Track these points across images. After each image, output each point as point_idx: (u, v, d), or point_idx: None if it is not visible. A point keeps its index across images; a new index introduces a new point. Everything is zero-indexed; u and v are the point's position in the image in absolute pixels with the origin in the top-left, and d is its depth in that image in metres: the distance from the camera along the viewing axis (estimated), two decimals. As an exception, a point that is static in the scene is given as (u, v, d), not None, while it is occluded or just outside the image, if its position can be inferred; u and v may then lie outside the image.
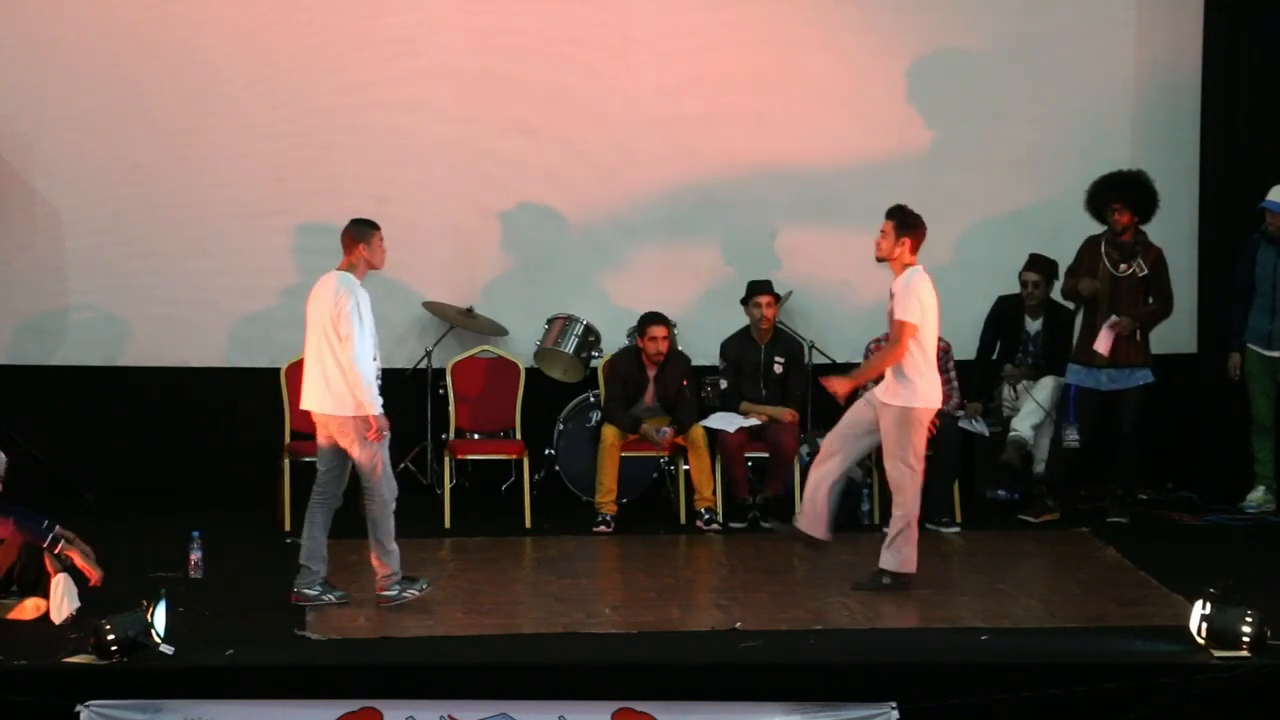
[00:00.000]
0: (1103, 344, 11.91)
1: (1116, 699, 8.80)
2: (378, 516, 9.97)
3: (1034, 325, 12.59)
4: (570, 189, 12.95)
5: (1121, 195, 11.97)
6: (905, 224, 10.37)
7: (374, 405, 9.82)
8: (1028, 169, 13.11)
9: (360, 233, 10.00)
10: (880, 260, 10.44)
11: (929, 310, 10.26)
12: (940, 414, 12.06)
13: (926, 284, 10.29)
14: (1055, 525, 12.05)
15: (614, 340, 12.67)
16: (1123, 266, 12.00)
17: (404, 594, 9.97)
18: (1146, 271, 12.03)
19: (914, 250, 10.35)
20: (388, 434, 9.92)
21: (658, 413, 12.25)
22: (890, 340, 10.27)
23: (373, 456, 9.88)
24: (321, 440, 10.04)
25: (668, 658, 9.16)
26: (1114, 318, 11.93)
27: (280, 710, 8.68)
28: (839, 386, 10.50)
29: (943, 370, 12.24)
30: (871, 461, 12.22)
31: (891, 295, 10.38)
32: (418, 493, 12.56)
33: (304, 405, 10.06)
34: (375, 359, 9.93)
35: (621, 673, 8.90)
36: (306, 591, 10.00)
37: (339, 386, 9.85)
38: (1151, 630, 9.51)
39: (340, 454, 10.00)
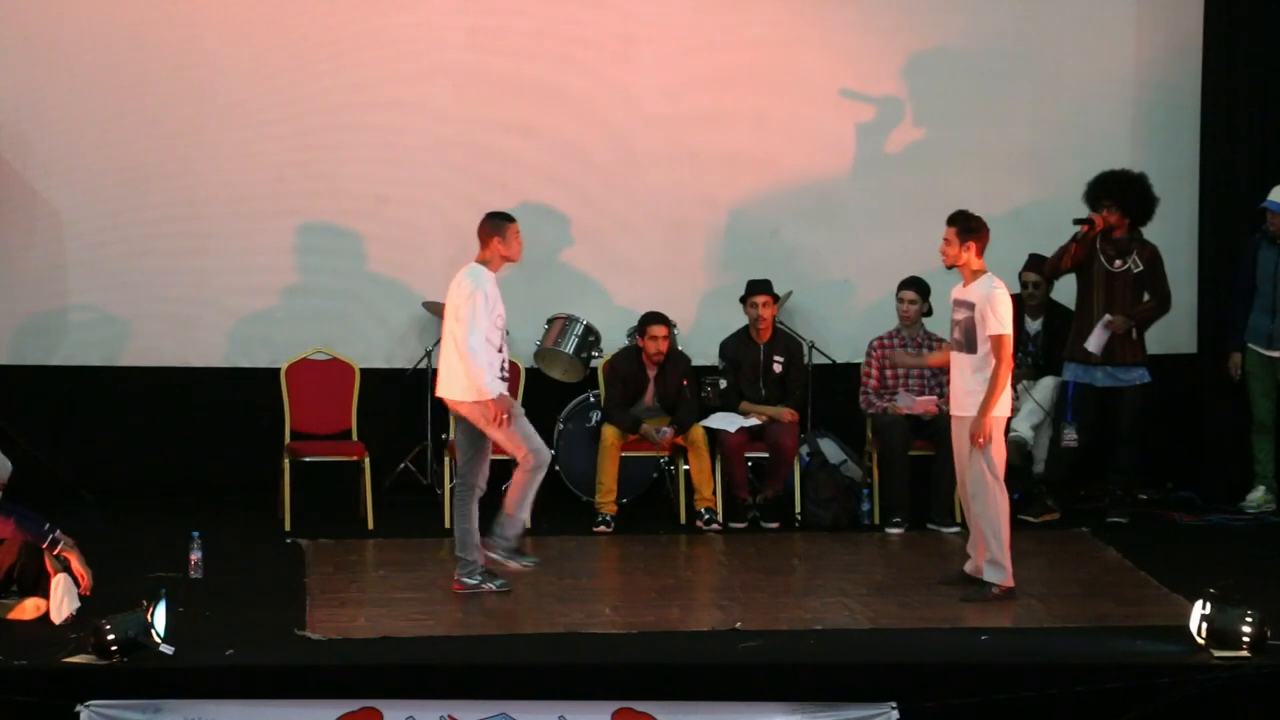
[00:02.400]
0: (1095, 343, 11.89)
1: (1116, 699, 8.80)
2: (522, 482, 10.15)
3: (1034, 325, 12.59)
4: (570, 189, 12.94)
5: (1116, 195, 11.97)
6: (967, 228, 10.33)
7: (490, 389, 9.96)
8: (1027, 169, 13.11)
9: (495, 226, 10.17)
10: (949, 268, 10.41)
11: (1010, 319, 10.22)
12: (942, 415, 12.11)
13: (1005, 292, 10.25)
14: (1055, 525, 12.05)
15: (614, 340, 12.67)
16: (1118, 263, 12.00)
17: (483, 585, 10.11)
18: (1141, 268, 12.03)
19: (980, 253, 10.31)
20: (516, 409, 10.08)
21: (658, 413, 12.26)
22: (996, 359, 10.05)
23: (509, 434, 10.05)
24: (458, 429, 10.23)
25: (668, 658, 9.16)
26: (1108, 316, 11.92)
27: (280, 710, 8.68)
28: (984, 435, 10.11)
29: (943, 370, 12.26)
30: (871, 462, 12.24)
31: (959, 304, 10.31)
32: (418, 492, 12.57)
33: (438, 393, 10.24)
34: (501, 350, 10.06)
35: (621, 673, 8.90)
36: (467, 580, 10.18)
37: (455, 372, 10.05)
38: (1151, 630, 9.52)
39: (475, 441, 10.15)
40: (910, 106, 13.11)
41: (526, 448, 10.10)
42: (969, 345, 10.25)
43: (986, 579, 10.23)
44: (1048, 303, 12.58)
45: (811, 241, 13.14)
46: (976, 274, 10.31)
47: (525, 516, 10.27)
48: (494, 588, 10.21)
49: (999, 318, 10.11)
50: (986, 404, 10.10)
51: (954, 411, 10.40)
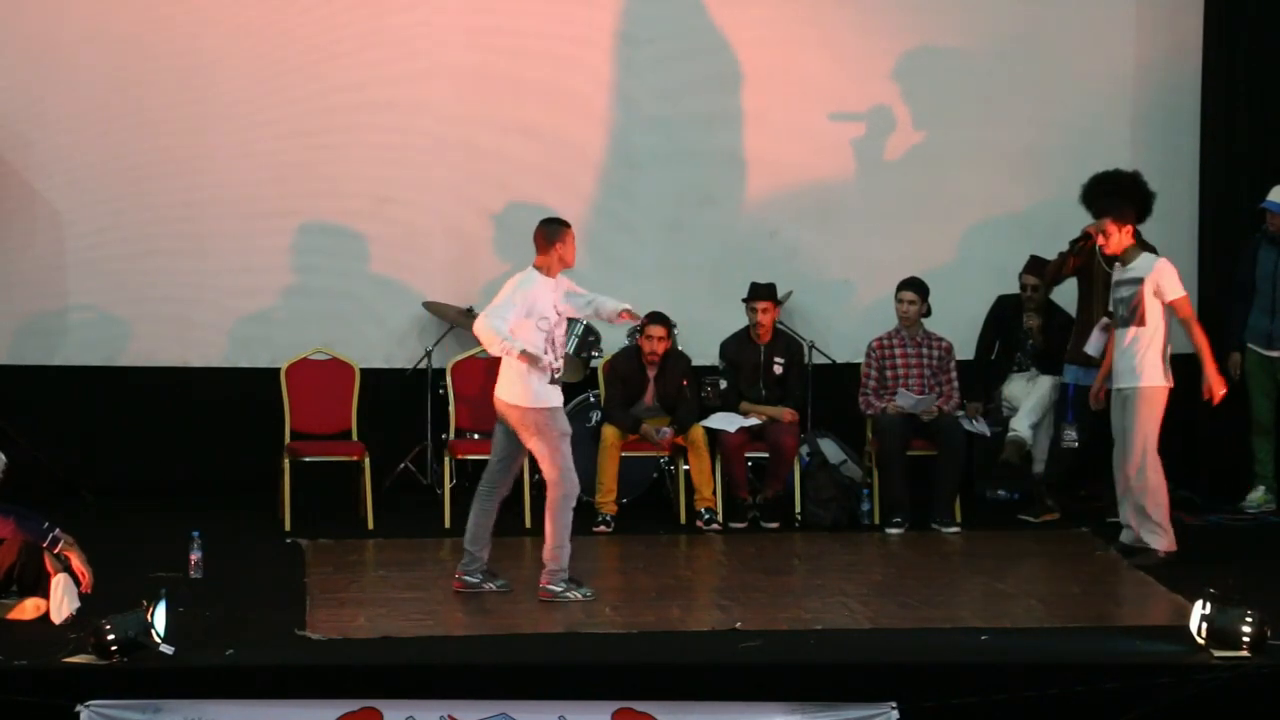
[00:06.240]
0: (1094, 346, 11.88)
1: (1116, 699, 8.79)
2: (555, 509, 10.08)
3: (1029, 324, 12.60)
4: (570, 189, 12.95)
5: (1108, 198, 11.93)
6: (1123, 216, 11.05)
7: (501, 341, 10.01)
8: (1027, 169, 13.13)
9: (553, 232, 10.18)
10: (1112, 256, 11.15)
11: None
12: (942, 414, 12.12)
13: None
14: (1055, 525, 12.06)
15: (614, 340, 12.67)
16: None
17: (566, 593, 10.04)
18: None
19: (1134, 235, 11.15)
20: (568, 431, 10.07)
21: (658, 413, 12.26)
22: (1186, 316, 11.00)
23: (554, 450, 10.02)
24: (497, 429, 10.23)
25: (668, 658, 9.15)
26: (1105, 320, 11.90)
27: (280, 710, 8.67)
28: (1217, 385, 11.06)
29: (943, 370, 12.27)
30: (871, 462, 12.24)
31: (1121, 283, 11.04)
32: (418, 492, 12.58)
33: (495, 394, 10.22)
34: (548, 352, 10.02)
35: (621, 673, 8.89)
36: (468, 579, 10.17)
37: (508, 374, 10.04)
38: (1151, 630, 9.51)
39: (512, 444, 10.15)
40: (910, 107, 13.12)
41: (562, 467, 10.06)
42: (1136, 319, 10.85)
43: (1151, 545, 10.87)
44: (1047, 304, 12.58)
45: (811, 241, 13.15)
46: (1133, 253, 11.04)
47: (568, 545, 10.15)
48: (494, 587, 10.19)
49: (1177, 281, 10.91)
50: (1206, 361, 10.94)
51: (1115, 385, 11.03)
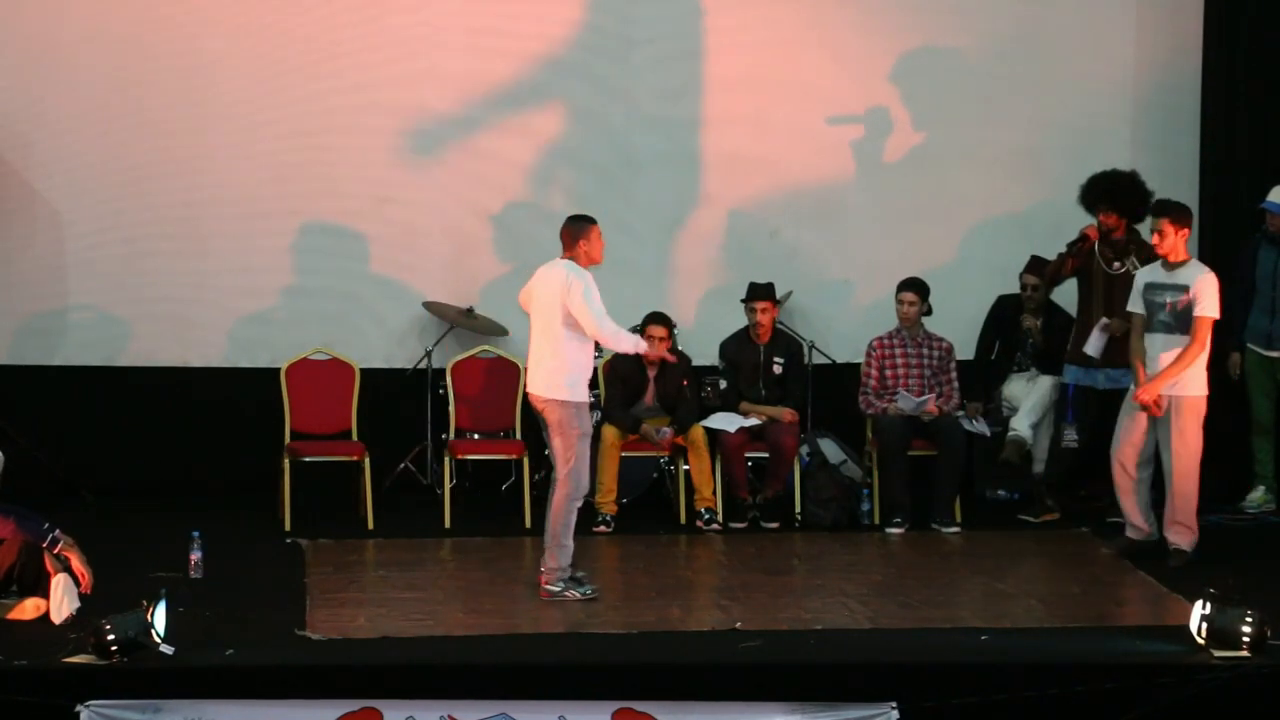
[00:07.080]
0: (1093, 346, 11.89)
1: (1116, 699, 8.80)
2: (558, 508, 10.09)
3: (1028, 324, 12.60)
4: (570, 190, 12.94)
5: (1110, 198, 11.95)
6: (1183, 219, 10.96)
7: (629, 340, 10.31)
8: (1027, 169, 13.12)
9: (579, 228, 10.25)
10: (1160, 257, 11.00)
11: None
12: (942, 414, 12.12)
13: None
14: (1055, 525, 12.05)
15: (614, 340, 12.67)
16: (1115, 265, 11.99)
17: (566, 592, 10.04)
18: (1140, 270, 12.02)
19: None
20: (588, 432, 10.13)
21: (658, 413, 12.26)
22: (1194, 339, 10.77)
23: (569, 447, 10.04)
24: (545, 431, 10.29)
25: (668, 658, 9.16)
26: (1104, 320, 11.91)
27: (280, 710, 8.68)
28: (1159, 403, 10.91)
29: (943, 370, 12.28)
30: (871, 462, 12.24)
31: (1167, 287, 10.87)
32: (418, 492, 12.58)
33: (529, 389, 10.26)
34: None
35: (621, 673, 8.91)
36: (550, 588, 10.13)
37: (549, 368, 10.07)
38: (1151, 630, 9.52)
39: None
40: (909, 107, 13.11)
41: (572, 467, 10.09)
42: (1182, 326, 10.79)
43: (1183, 546, 10.88)
44: (1047, 304, 12.58)
45: (811, 241, 13.15)
46: (1184, 259, 10.90)
47: (569, 546, 10.18)
48: (579, 595, 10.12)
49: (1215, 301, 10.75)
50: (1166, 373, 10.76)
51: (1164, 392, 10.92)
